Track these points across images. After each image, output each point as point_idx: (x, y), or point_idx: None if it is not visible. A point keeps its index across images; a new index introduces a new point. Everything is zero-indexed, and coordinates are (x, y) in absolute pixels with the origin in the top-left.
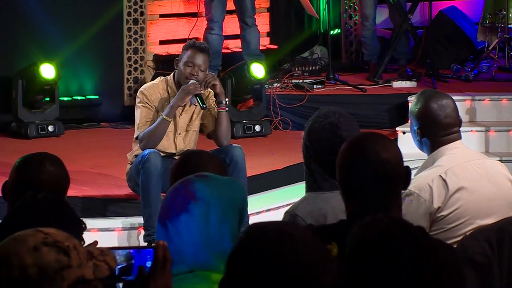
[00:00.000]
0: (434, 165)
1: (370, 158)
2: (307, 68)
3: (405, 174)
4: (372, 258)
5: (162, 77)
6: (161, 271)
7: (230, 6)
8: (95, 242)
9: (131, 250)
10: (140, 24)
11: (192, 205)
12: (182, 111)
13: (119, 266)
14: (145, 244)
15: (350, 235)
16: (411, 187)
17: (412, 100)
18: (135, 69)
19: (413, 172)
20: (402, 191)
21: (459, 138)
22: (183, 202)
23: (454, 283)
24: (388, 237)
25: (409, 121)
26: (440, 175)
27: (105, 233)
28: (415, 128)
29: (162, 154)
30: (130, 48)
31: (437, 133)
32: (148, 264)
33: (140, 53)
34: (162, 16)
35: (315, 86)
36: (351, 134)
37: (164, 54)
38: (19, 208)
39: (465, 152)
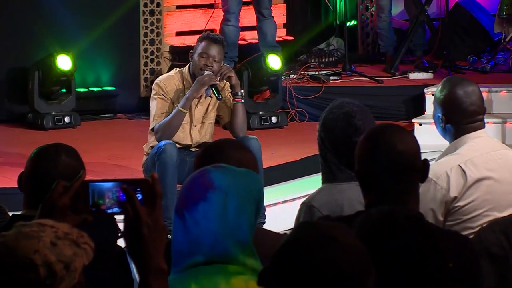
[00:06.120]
0: (454, 153)
1: (386, 149)
2: (323, 60)
3: (422, 167)
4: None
5: (178, 69)
6: (151, 207)
7: None
8: (84, 174)
9: (121, 195)
10: (157, 15)
11: (210, 194)
12: (198, 102)
13: (109, 211)
14: None
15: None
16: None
17: (428, 92)
18: (152, 60)
19: (433, 162)
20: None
21: (483, 126)
22: (200, 191)
23: (469, 274)
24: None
25: (432, 108)
26: (459, 165)
27: (121, 224)
28: (439, 114)
29: (178, 145)
30: (147, 40)
31: (461, 120)
32: (139, 197)
33: (157, 45)
34: (178, 7)
35: (331, 78)
36: (365, 123)
37: (180, 45)
38: None
39: (487, 142)
